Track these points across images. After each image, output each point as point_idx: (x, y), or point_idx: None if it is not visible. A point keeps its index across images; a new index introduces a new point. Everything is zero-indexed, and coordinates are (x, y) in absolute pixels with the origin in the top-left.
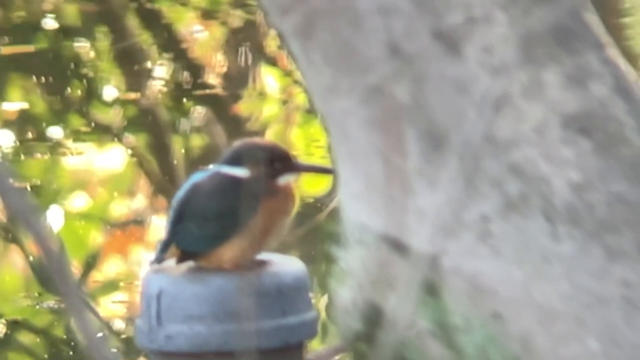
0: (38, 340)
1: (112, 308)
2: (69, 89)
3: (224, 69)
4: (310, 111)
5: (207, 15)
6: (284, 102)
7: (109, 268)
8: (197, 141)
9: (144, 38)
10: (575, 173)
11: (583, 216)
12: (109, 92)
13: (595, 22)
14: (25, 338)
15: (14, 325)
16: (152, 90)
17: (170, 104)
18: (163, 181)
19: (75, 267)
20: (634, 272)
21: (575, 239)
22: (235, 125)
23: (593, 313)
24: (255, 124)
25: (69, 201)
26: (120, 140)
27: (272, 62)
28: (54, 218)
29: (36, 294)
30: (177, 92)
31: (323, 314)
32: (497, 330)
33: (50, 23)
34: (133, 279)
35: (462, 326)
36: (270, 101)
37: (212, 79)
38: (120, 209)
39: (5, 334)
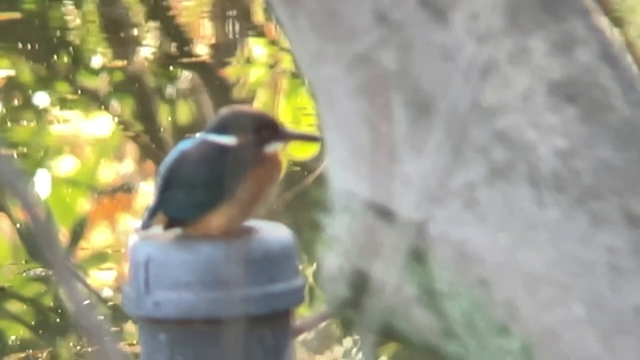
0: (26, 308)
1: (100, 277)
2: (55, 57)
3: (211, 37)
4: (297, 78)
5: None
6: (271, 67)
7: (97, 236)
8: (184, 108)
9: (131, 4)
10: (561, 139)
11: (568, 182)
12: (96, 59)
13: None
14: (13, 306)
15: (1, 293)
16: (138, 58)
17: (157, 71)
18: (150, 147)
19: (63, 235)
20: (618, 238)
21: (560, 205)
22: (222, 92)
23: (578, 279)
24: (242, 90)
25: (56, 165)
26: (106, 107)
27: (260, 30)
28: (41, 183)
29: (24, 262)
30: (164, 60)
31: (310, 281)
32: (482, 296)
33: None
34: (121, 247)
35: (448, 292)
36: (257, 66)
37: (200, 47)
38: (108, 173)
39: None
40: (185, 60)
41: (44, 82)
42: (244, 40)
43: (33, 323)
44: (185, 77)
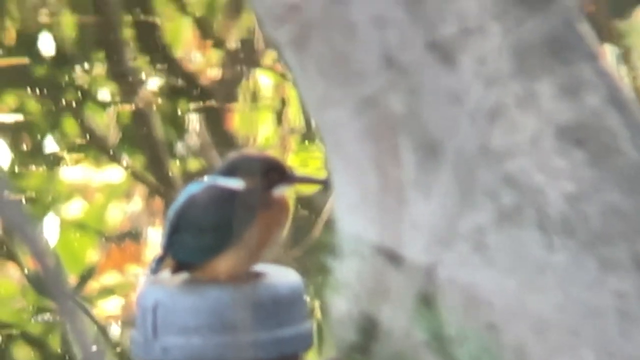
0: (33, 354)
1: (108, 312)
2: (63, 100)
3: (219, 76)
4: (306, 136)
5: (205, 33)
6: (279, 115)
7: (105, 280)
8: (193, 162)
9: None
10: (570, 184)
11: (577, 227)
12: (104, 98)
13: (588, 32)
14: (21, 352)
15: (9, 338)
16: (146, 99)
17: (165, 113)
18: (159, 189)
19: (72, 281)
20: (628, 284)
21: (569, 250)
22: (230, 141)
23: (587, 324)
24: (251, 143)
25: (65, 209)
26: (116, 159)
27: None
28: (50, 228)
29: (31, 307)
30: (172, 100)
31: (318, 325)
32: (491, 341)
33: (46, 42)
34: (129, 289)
35: (457, 337)
36: (265, 112)
37: (206, 84)
38: (116, 214)
39: (0, 348)
40: (193, 104)
41: (53, 122)
42: (250, 74)
43: None
44: (194, 128)
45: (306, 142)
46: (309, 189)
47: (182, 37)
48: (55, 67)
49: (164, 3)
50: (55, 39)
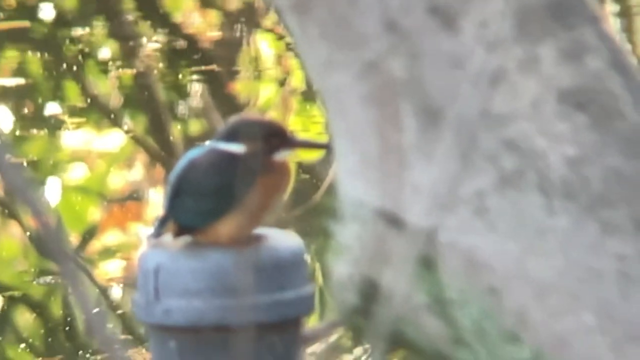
0: (35, 317)
1: (109, 273)
2: (64, 63)
3: (219, 39)
4: (307, 95)
5: (205, 2)
6: (281, 84)
7: (107, 240)
8: (195, 124)
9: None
10: (571, 147)
11: (578, 190)
12: (105, 64)
13: None
14: (22, 316)
15: (10, 301)
16: (147, 61)
17: (166, 77)
18: (161, 155)
19: (73, 240)
20: (629, 246)
21: (570, 213)
22: (232, 107)
23: (588, 287)
24: (252, 107)
25: (66, 174)
26: (117, 123)
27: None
28: (52, 191)
29: (33, 269)
30: (173, 63)
31: (320, 289)
32: (492, 304)
33: (46, 11)
34: (131, 249)
35: (458, 300)
36: (267, 80)
37: (207, 48)
38: (117, 180)
39: (2, 311)
40: (194, 68)
41: (54, 85)
42: (252, 40)
43: (41, 333)
44: (195, 92)
45: (307, 103)
46: (311, 157)
47: (182, 2)
48: (56, 29)
49: None
50: (55, 5)
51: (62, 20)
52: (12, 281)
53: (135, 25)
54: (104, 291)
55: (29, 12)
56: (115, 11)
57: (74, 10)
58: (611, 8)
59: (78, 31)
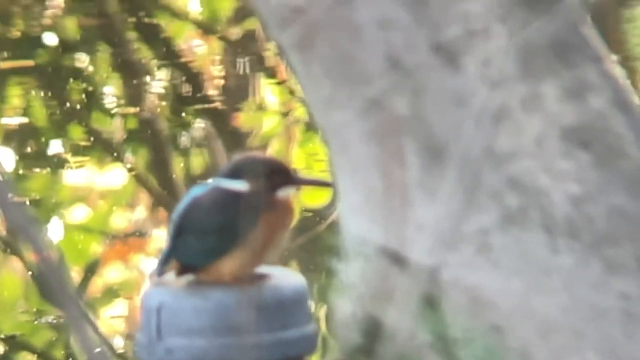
0: (36, 358)
1: (111, 323)
2: (68, 103)
3: (223, 81)
4: (310, 126)
5: (207, 30)
6: (284, 115)
7: (109, 275)
8: (198, 159)
9: (142, 53)
10: (575, 186)
11: (582, 229)
12: (109, 103)
13: (593, 35)
14: (23, 357)
15: (11, 342)
16: (151, 102)
17: (170, 117)
18: (163, 195)
19: (75, 276)
20: (633, 285)
21: (574, 252)
22: (235, 140)
23: (592, 326)
24: (255, 139)
25: (68, 213)
26: (120, 159)
27: (271, 74)
28: (54, 231)
29: (35, 309)
30: (177, 104)
31: (323, 327)
32: (496, 342)
33: (50, 39)
34: (133, 287)
35: (462, 339)
36: (270, 114)
37: (212, 90)
38: (120, 221)
39: (4, 353)
40: (197, 106)
41: (58, 126)
42: (256, 83)
43: None
44: (199, 125)
45: (310, 136)
46: (315, 202)
47: (185, 36)
48: (59, 59)
49: (166, 7)
50: (59, 40)
51: (66, 47)
52: (13, 323)
53: (139, 63)
54: (105, 334)
55: (33, 41)
56: (119, 43)
57: (77, 39)
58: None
59: (81, 62)
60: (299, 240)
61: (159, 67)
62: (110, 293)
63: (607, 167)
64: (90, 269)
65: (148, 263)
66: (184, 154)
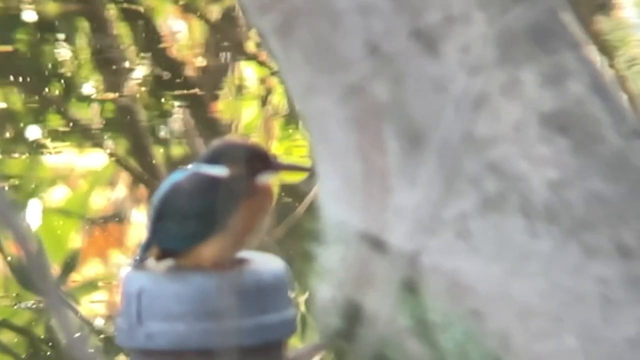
0: (17, 340)
1: (92, 307)
2: (47, 89)
3: (203, 66)
4: (290, 119)
5: (187, 8)
6: (263, 103)
7: (89, 269)
8: (177, 147)
9: (122, 36)
10: (553, 171)
11: (561, 214)
12: (88, 90)
13: (571, 21)
14: (5, 337)
15: None
16: (130, 89)
17: (149, 105)
18: (143, 176)
19: (55, 268)
20: (611, 270)
21: (553, 237)
22: (214, 129)
23: (570, 310)
24: (235, 128)
25: (48, 195)
26: (99, 145)
27: (252, 59)
28: (33, 214)
29: (15, 294)
30: (156, 91)
31: (303, 312)
32: (475, 327)
33: (29, 16)
34: (112, 279)
35: (441, 323)
36: (250, 100)
37: (191, 75)
38: (99, 200)
39: None
40: (177, 92)
41: (36, 114)
42: (235, 68)
43: (24, 356)
44: (178, 115)
45: (290, 126)
46: (293, 177)
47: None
48: (37, 37)
49: None
50: (39, 23)
51: (45, 30)
52: None
53: (119, 49)
54: (86, 319)
55: (12, 20)
56: (98, 27)
57: (56, 23)
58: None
59: (60, 48)
60: (279, 225)
61: (138, 53)
62: (90, 284)
63: (586, 152)
64: (70, 262)
65: (127, 256)
66: (163, 143)
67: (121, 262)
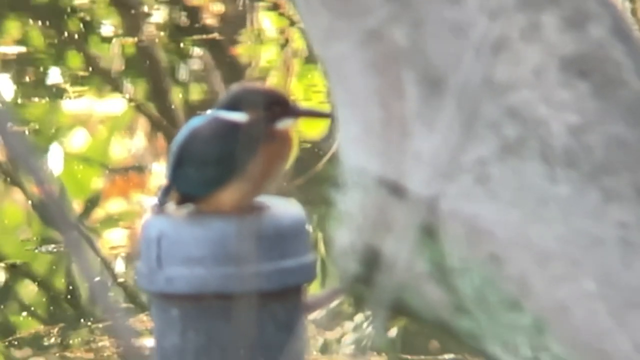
0: (37, 290)
1: (113, 243)
2: (66, 33)
3: (222, 11)
4: (309, 58)
5: None
6: (282, 46)
7: (110, 208)
8: (196, 89)
9: None
10: (573, 115)
11: (580, 158)
12: (107, 32)
13: None
14: (25, 287)
15: (13, 270)
16: (149, 33)
17: (168, 47)
18: (162, 124)
19: (76, 208)
20: (630, 214)
21: (572, 181)
22: (234, 72)
23: (589, 254)
24: (254, 70)
25: (68, 141)
26: (119, 89)
27: (270, 3)
28: (54, 160)
29: (36, 238)
30: (174, 34)
31: (322, 257)
32: (494, 271)
33: None
34: (134, 218)
35: (460, 268)
36: (268, 44)
37: (210, 21)
38: (119, 150)
39: (5, 283)
40: (195, 37)
41: (56, 54)
42: (254, 13)
43: (44, 302)
44: (197, 55)
45: (309, 67)
46: (314, 133)
47: None
48: None
49: None
50: None
51: None
52: (14, 251)
53: None
54: (106, 262)
55: None
56: None
57: None
58: None
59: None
60: (298, 172)
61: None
62: (111, 221)
63: (606, 96)
64: (91, 202)
65: (148, 198)
66: (182, 84)
67: (142, 201)
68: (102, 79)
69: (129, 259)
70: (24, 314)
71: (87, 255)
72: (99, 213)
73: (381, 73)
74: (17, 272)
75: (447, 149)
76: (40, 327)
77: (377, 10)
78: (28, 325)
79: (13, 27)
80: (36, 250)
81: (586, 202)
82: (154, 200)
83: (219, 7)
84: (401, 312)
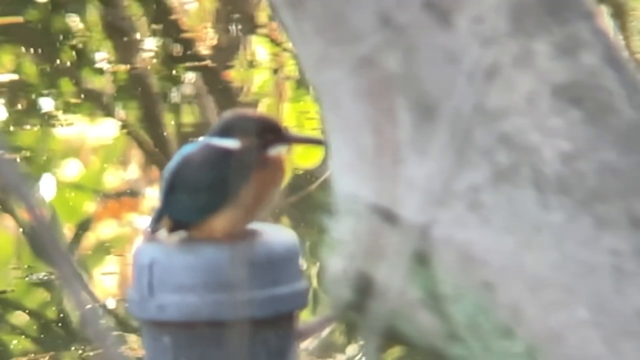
0: (28, 319)
1: (103, 282)
2: (58, 60)
3: (215, 40)
4: (301, 83)
5: None
6: (275, 71)
7: (102, 232)
8: (188, 115)
9: (133, 10)
10: (565, 142)
11: (573, 185)
12: (100, 60)
13: None
14: (15, 318)
15: (3, 300)
16: (142, 61)
17: (160, 72)
18: (155, 152)
19: (68, 232)
20: (623, 241)
21: (565, 208)
22: (226, 97)
23: (582, 281)
24: (246, 95)
25: (61, 170)
26: (111, 114)
27: (263, 31)
28: (46, 188)
29: (26, 266)
30: (167, 62)
31: (314, 284)
32: (487, 299)
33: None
34: (125, 242)
35: (453, 295)
36: (261, 70)
37: (203, 50)
38: (112, 179)
39: None
40: (188, 64)
41: (48, 82)
42: (247, 41)
43: (35, 329)
44: (189, 80)
45: (301, 90)
46: (307, 163)
47: None
48: (50, 17)
49: None
50: None
51: (56, 4)
52: (4, 282)
53: (130, 20)
54: (96, 297)
55: (22, 2)
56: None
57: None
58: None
59: (72, 20)
60: (291, 197)
61: (149, 25)
62: (102, 250)
63: (598, 123)
64: (83, 226)
65: (141, 220)
66: (174, 110)
67: (135, 224)
68: (95, 105)
69: (121, 291)
70: (14, 342)
71: (79, 285)
72: (90, 239)
73: (374, 99)
74: (7, 303)
75: (439, 175)
76: (32, 355)
77: (369, 37)
78: (19, 352)
79: (5, 55)
80: (26, 279)
81: (579, 230)
82: (148, 221)
83: (212, 37)
84: (394, 340)
